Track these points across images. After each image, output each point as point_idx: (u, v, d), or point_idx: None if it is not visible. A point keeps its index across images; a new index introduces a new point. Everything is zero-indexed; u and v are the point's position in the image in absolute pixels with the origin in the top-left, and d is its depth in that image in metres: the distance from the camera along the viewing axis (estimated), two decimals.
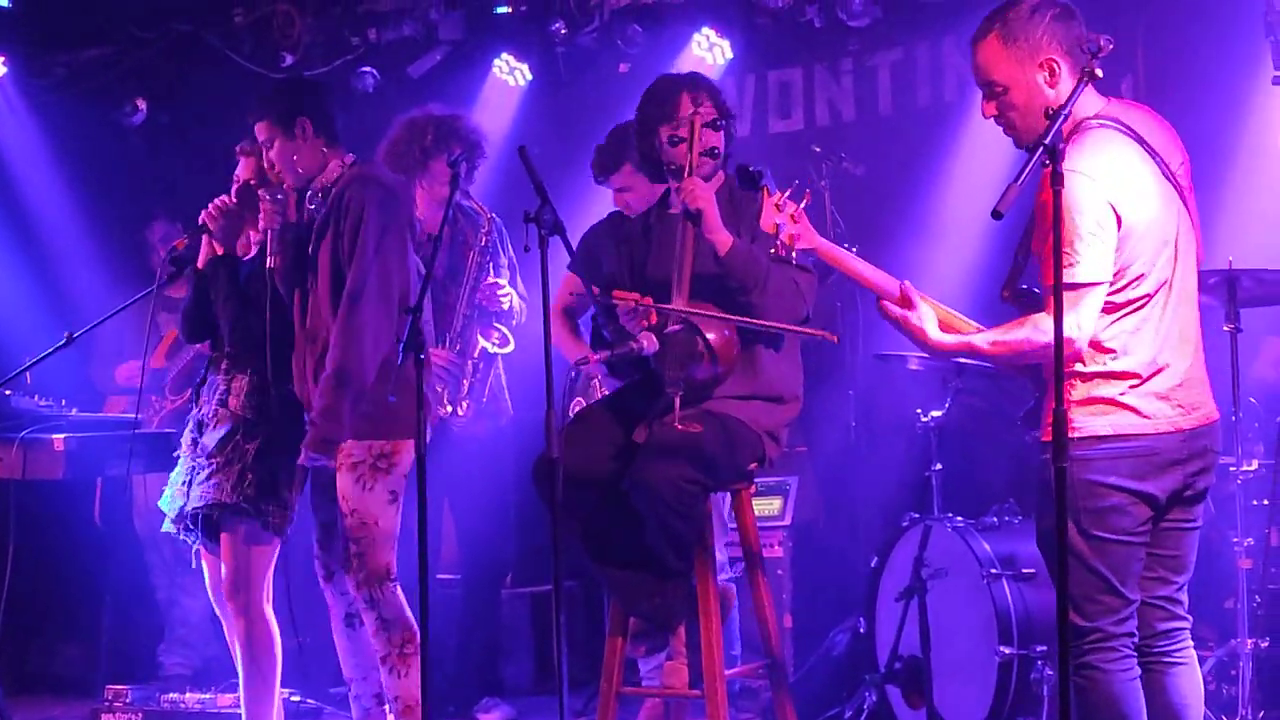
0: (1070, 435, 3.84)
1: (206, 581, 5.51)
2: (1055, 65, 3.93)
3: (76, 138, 8.71)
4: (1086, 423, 3.86)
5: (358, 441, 5.16)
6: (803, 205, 4.34)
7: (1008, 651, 5.76)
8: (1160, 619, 4.02)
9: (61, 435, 6.09)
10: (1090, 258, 3.79)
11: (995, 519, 6.14)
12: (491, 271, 6.46)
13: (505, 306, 6.46)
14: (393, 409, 5.06)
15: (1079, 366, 3.89)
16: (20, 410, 6.27)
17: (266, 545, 5.31)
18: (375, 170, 5.34)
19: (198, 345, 5.68)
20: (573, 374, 6.39)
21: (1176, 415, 3.90)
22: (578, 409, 6.00)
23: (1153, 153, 3.94)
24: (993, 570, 5.86)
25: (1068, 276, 3.75)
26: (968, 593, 5.91)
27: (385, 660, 5.18)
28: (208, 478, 5.23)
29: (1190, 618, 4.10)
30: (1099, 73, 3.75)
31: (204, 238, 5.38)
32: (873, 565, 6.32)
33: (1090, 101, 3.95)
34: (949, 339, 4.01)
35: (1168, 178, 3.96)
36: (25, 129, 8.66)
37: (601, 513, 4.98)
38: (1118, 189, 3.83)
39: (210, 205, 5.36)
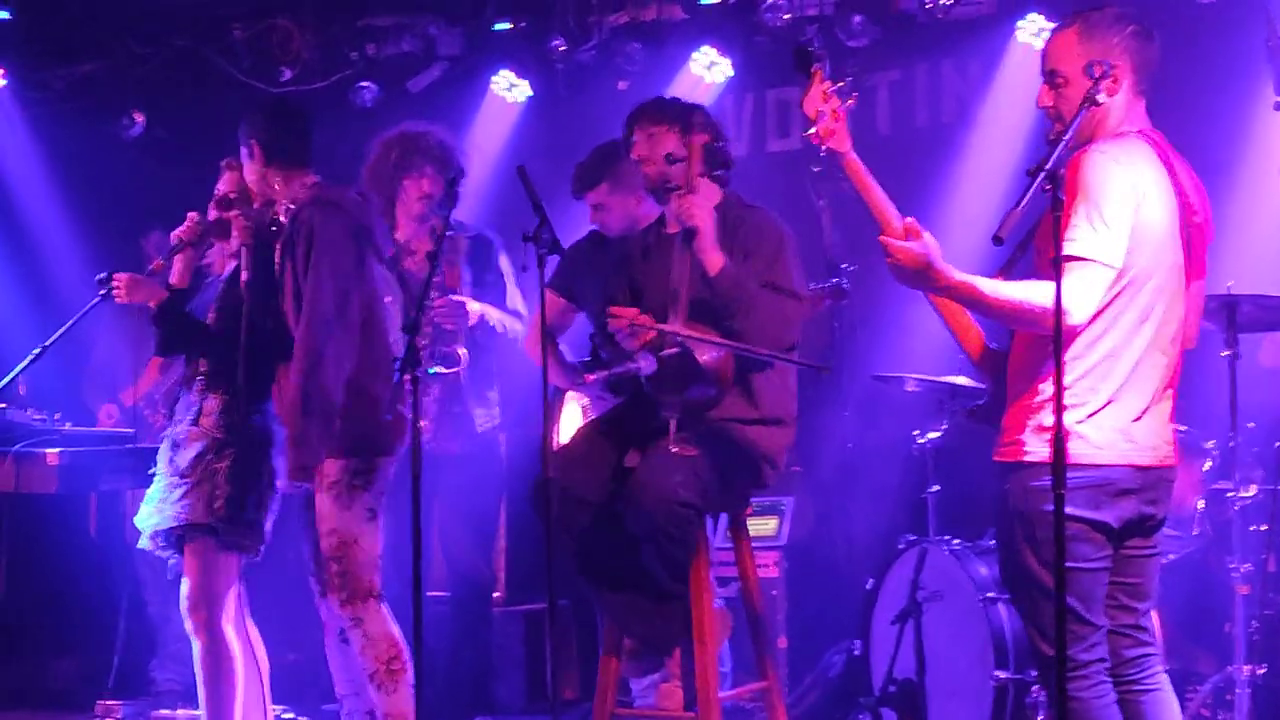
0: (1022, 459, 3.85)
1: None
2: (1117, 74, 3.91)
3: (74, 151, 8.70)
4: (1038, 449, 3.83)
5: (333, 460, 5.13)
6: (848, 105, 4.23)
7: (1003, 675, 5.74)
8: (1127, 646, 4.00)
9: (55, 450, 6.06)
10: (1105, 235, 3.74)
11: (992, 542, 6.11)
12: (460, 289, 6.35)
13: (470, 324, 6.31)
14: (365, 426, 5.05)
15: (1043, 386, 3.85)
16: (14, 424, 6.25)
17: (231, 564, 5.25)
18: (330, 191, 5.30)
19: (161, 357, 5.64)
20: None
21: (1129, 449, 3.86)
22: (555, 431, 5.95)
23: (1179, 190, 3.93)
24: (989, 594, 5.83)
25: (1076, 249, 3.72)
26: (964, 616, 5.89)
27: (374, 677, 5.16)
28: (181, 497, 5.18)
29: (1155, 643, 4.08)
30: (1100, 99, 3.75)
31: (182, 254, 5.34)
32: (868, 587, 6.30)
33: (1136, 118, 3.95)
34: (955, 273, 3.81)
35: (1184, 221, 3.94)
36: (23, 142, 8.67)
37: (597, 534, 4.97)
38: (1139, 190, 3.82)
39: (187, 221, 5.32)
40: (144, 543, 5.38)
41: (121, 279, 5.35)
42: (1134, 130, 3.96)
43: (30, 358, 5.50)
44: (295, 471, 5.08)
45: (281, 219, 5.21)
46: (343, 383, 5.09)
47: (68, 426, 6.53)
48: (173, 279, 5.35)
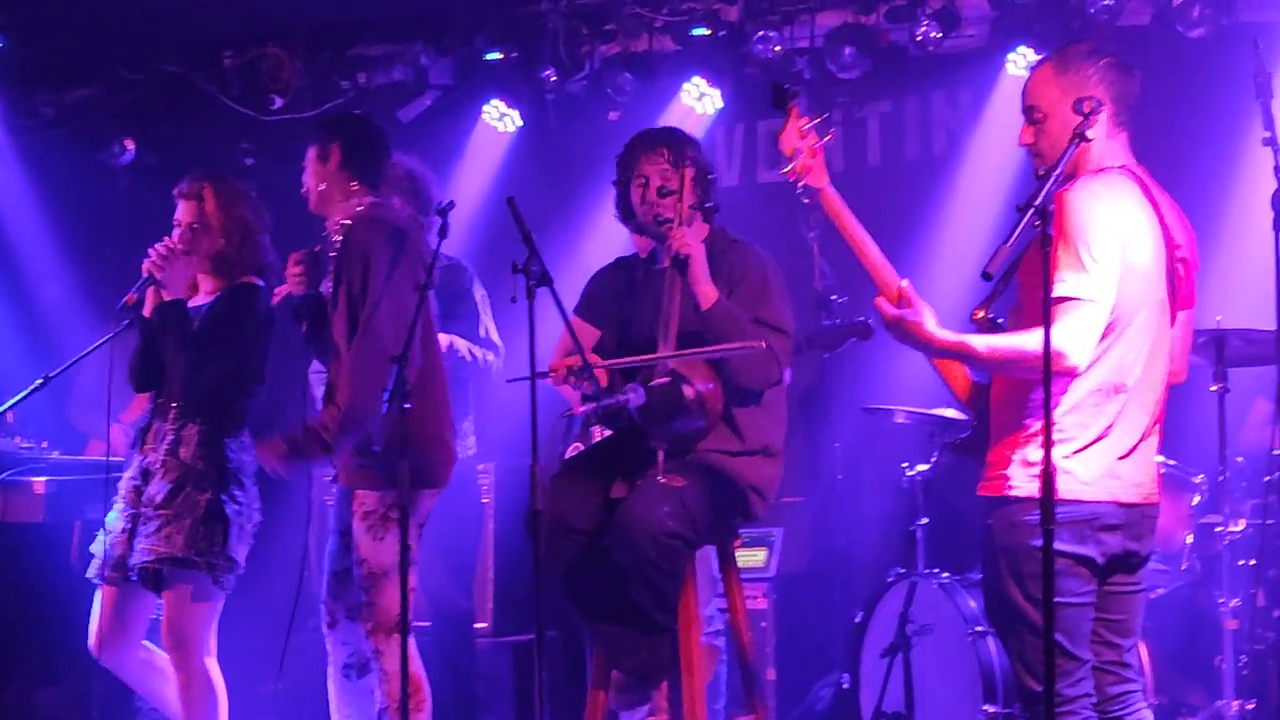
0: (1007, 494, 3.84)
1: (94, 625, 5.36)
2: (1096, 106, 3.91)
3: (64, 178, 8.70)
4: (1022, 484, 3.84)
5: (370, 492, 5.07)
6: (824, 141, 4.30)
7: (992, 710, 5.73)
8: (1111, 683, 4.00)
9: (42, 478, 6.04)
10: (1096, 273, 3.75)
11: (981, 575, 6.10)
12: None
13: None
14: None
15: (1029, 421, 3.85)
16: (1, 452, 6.22)
17: (213, 600, 5.23)
18: (385, 210, 5.26)
19: (137, 392, 5.62)
20: (567, 419, 6.33)
21: (1115, 486, 3.87)
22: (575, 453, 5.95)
23: (1163, 224, 3.93)
24: (978, 628, 5.82)
25: (1068, 290, 3.72)
26: (953, 650, 5.88)
27: (384, 713, 5.11)
28: (157, 530, 5.15)
29: (1139, 679, 4.07)
30: (1090, 135, 3.75)
31: (151, 286, 5.30)
32: (857, 620, 6.29)
33: (1119, 154, 3.96)
34: (947, 335, 3.85)
35: (1168, 256, 3.94)
36: (13, 168, 8.65)
37: (586, 564, 4.96)
38: (1125, 226, 3.82)
39: (152, 252, 5.27)
40: (92, 572, 5.33)
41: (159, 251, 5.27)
42: (1116, 165, 3.96)
43: (33, 387, 5.49)
44: (291, 447, 5.01)
45: (333, 236, 5.17)
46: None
47: (55, 455, 6.51)
48: (146, 311, 5.32)
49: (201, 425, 5.22)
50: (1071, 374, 3.78)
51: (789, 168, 4.26)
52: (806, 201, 6.94)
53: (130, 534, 5.24)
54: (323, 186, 5.23)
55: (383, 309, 4.99)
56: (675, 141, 5.16)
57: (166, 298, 5.30)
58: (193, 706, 5.24)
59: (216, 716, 5.25)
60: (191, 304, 5.38)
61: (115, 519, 5.32)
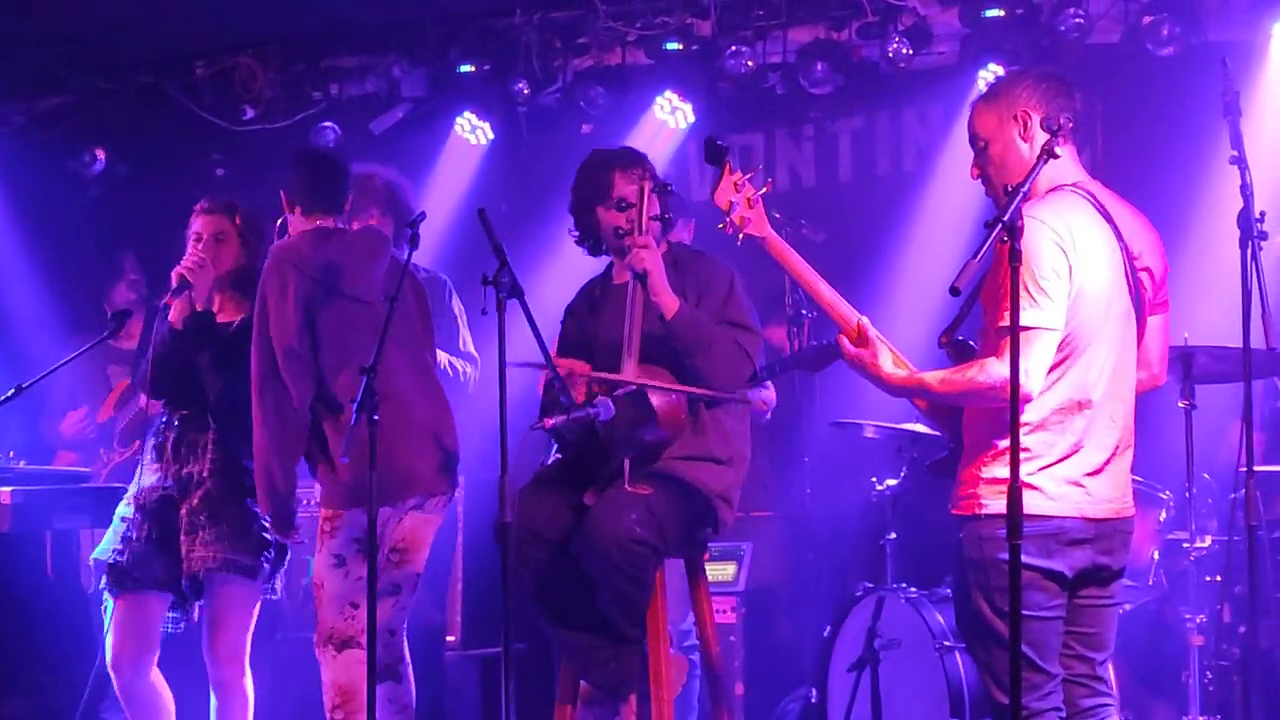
0: (978, 512, 3.86)
1: (111, 639, 5.36)
2: (1028, 118, 3.96)
3: (35, 187, 8.67)
4: (992, 502, 3.86)
5: (323, 507, 5.18)
6: (762, 192, 4.38)
7: None
8: (1083, 696, 4.01)
9: (9, 488, 6.01)
10: (1044, 302, 3.78)
11: (949, 590, 6.11)
12: None
13: None
14: (338, 476, 5.05)
15: (997, 440, 3.87)
16: None
17: (257, 605, 5.31)
18: (289, 239, 5.29)
19: (152, 400, 5.61)
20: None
21: (1083, 502, 3.89)
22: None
23: (1119, 236, 3.96)
24: (945, 642, 5.83)
25: (1021, 319, 3.76)
26: (920, 664, 5.88)
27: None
28: (216, 539, 5.17)
29: (1111, 693, 4.08)
30: (1059, 152, 3.78)
31: (184, 294, 5.28)
32: (825, 634, 6.29)
33: (1068, 171, 3.97)
34: (901, 374, 4.00)
35: (1128, 268, 3.97)
36: None
37: (555, 574, 4.96)
38: (1074, 248, 3.84)
39: (188, 259, 5.27)
40: (102, 584, 5.34)
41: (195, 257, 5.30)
42: (1068, 183, 3.97)
43: (6, 396, 5.47)
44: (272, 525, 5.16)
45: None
46: (275, 438, 5.07)
47: (22, 464, 6.48)
48: (172, 317, 5.29)
49: (240, 438, 5.22)
50: (1025, 400, 3.81)
51: (725, 221, 4.33)
52: (777, 216, 7.02)
53: (156, 544, 5.24)
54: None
55: (259, 343, 5.09)
56: (638, 158, 5.18)
57: (198, 308, 5.29)
58: (232, 708, 5.27)
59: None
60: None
61: (126, 530, 5.31)
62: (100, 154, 8.76)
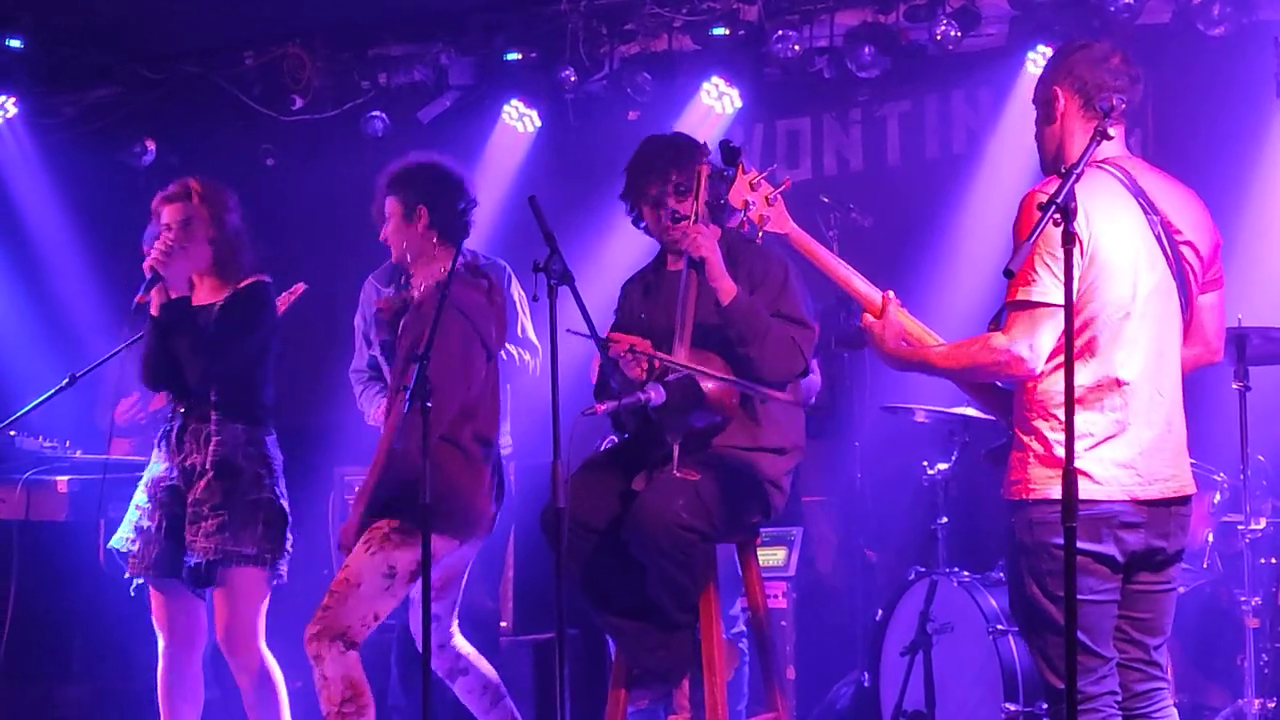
0: (1027, 497, 3.85)
1: (158, 621, 5.43)
2: (1056, 96, 3.95)
3: (85, 178, 8.72)
4: (1041, 486, 3.84)
5: (387, 517, 5.11)
6: (781, 189, 4.41)
7: (1013, 708, 5.72)
8: (1137, 680, 3.99)
9: (65, 477, 6.06)
10: (1050, 279, 3.76)
11: (1002, 574, 6.09)
12: None
13: None
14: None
15: (1038, 423, 3.87)
16: (25, 452, 6.25)
17: (267, 594, 5.32)
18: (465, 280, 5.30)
19: (152, 392, 5.64)
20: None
21: (1133, 485, 3.86)
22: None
23: (1153, 211, 3.92)
24: (999, 626, 5.82)
25: (1024, 294, 3.77)
26: (973, 648, 5.87)
27: (326, 718, 5.10)
28: (218, 529, 5.19)
29: (1168, 679, 4.06)
30: (1111, 133, 3.75)
31: (158, 285, 5.29)
32: (878, 618, 6.29)
33: (1104, 147, 3.93)
34: (905, 349, 4.02)
35: (1167, 243, 3.93)
36: (35, 169, 8.68)
37: (605, 562, 4.96)
38: (1089, 224, 3.81)
39: (155, 251, 5.28)
40: (132, 573, 5.37)
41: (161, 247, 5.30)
42: (1096, 161, 3.92)
43: (60, 386, 5.51)
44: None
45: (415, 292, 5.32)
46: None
47: (78, 454, 6.53)
48: (153, 310, 5.32)
49: (244, 424, 5.27)
50: (1028, 377, 3.83)
51: (741, 219, 4.39)
52: (825, 200, 7.02)
53: (165, 533, 5.29)
54: (406, 244, 5.31)
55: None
56: (694, 144, 5.17)
57: (172, 296, 5.31)
58: (261, 702, 5.30)
59: (279, 704, 5.32)
60: (195, 303, 5.38)
61: (141, 519, 5.35)
62: (150, 145, 8.81)
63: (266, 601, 5.33)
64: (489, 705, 5.36)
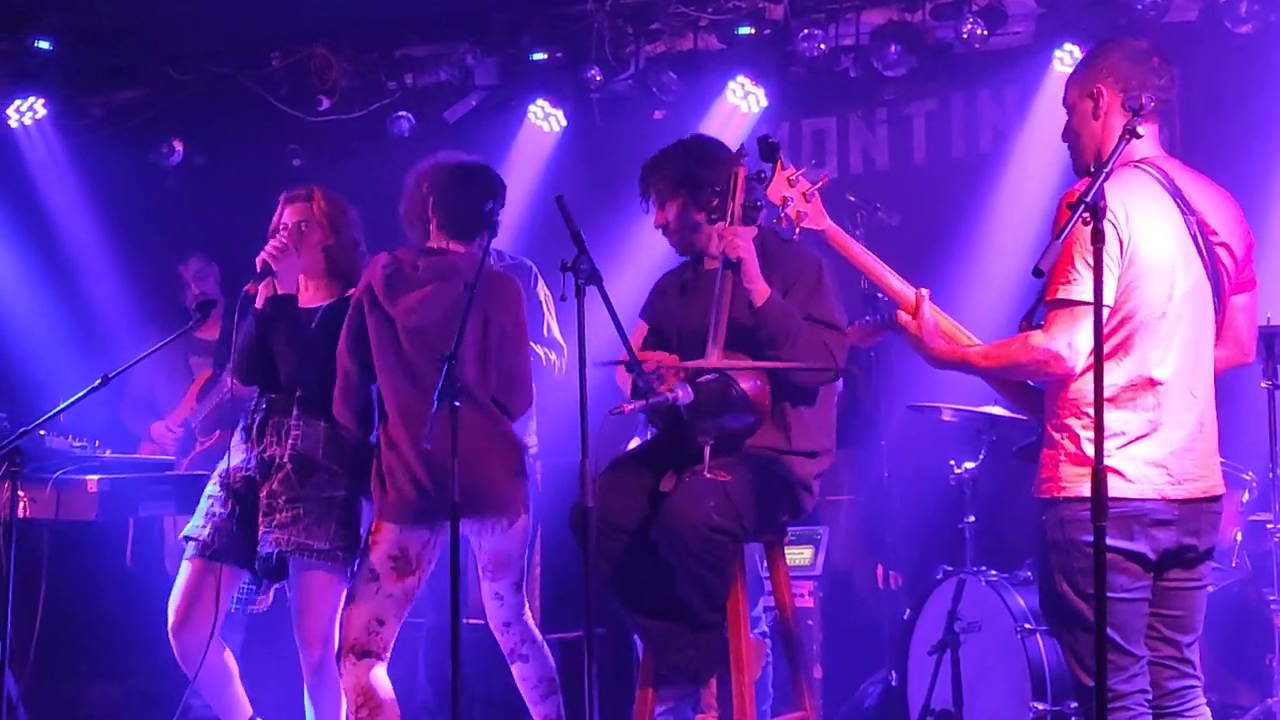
0: (1059, 495, 3.85)
1: (174, 602, 5.41)
2: (1100, 95, 3.94)
3: (113, 179, 8.75)
4: (1072, 484, 3.85)
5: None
6: (818, 186, 4.40)
7: (1041, 707, 5.72)
8: (1170, 678, 3.99)
9: (95, 476, 6.09)
10: (1091, 278, 3.75)
11: (1029, 573, 6.09)
12: None
13: None
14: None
15: (1070, 421, 3.86)
16: (54, 451, 6.27)
17: (341, 590, 5.33)
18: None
19: (243, 385, 5.70)
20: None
21: (1164, 484, 3.86)
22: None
23: (1189, 212, 3.93)
24: (1027, 625, 5.82)
25: (1064, 293, 3.77)
26: (1001, 647, 5.87)
27: None
28: (293, 521, 5.24)
29: (1200, 677, 4.05)
30: (1140, 131, 3.74)
31: (267, 279, 5.38)
32: (905, 617, 6.29)
33: (1140, 148, 3.94)
34: (945, 347, 4.03)
35: (1203, 244, 3.93)
36: (63, 170, 8.72)
37: (633, 561, 4.96)
38: (1126, 225, 3.83)
39: (270, 246, 5.38)
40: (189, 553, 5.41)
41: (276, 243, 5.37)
42: (1134, 160, 3.94)
43: (92, 386, 5.54)
44: None
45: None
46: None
47: (108, 454, 6.56)
48: (258, 304, 5.40)
49: (326, 422, 5.31)
50: (1068, 375, 3.83)
51: (780, 216, 4.38)
52: (852, 199, 7.01)
53: (238, 520, 5.33)
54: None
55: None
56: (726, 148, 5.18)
57: (280, 291, 5.37)
58: (323, 699, 5.34)
59: (338, 707, 5.34)
60: (301, 304, 5.45)
61: (213, 506, 5.39)
62: (178, 146, 8.84)
63: (338, 599, 5.32)
64: (540, 696, 5.40)
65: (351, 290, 5.40)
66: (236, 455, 5.42)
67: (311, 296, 5.50)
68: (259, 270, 5.37)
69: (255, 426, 5.41)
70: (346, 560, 5.32)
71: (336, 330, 5.30)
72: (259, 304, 5.40)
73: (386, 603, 5.17)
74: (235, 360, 5.46)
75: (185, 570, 5.41)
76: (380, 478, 5.18)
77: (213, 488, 5.46)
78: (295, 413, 5.34)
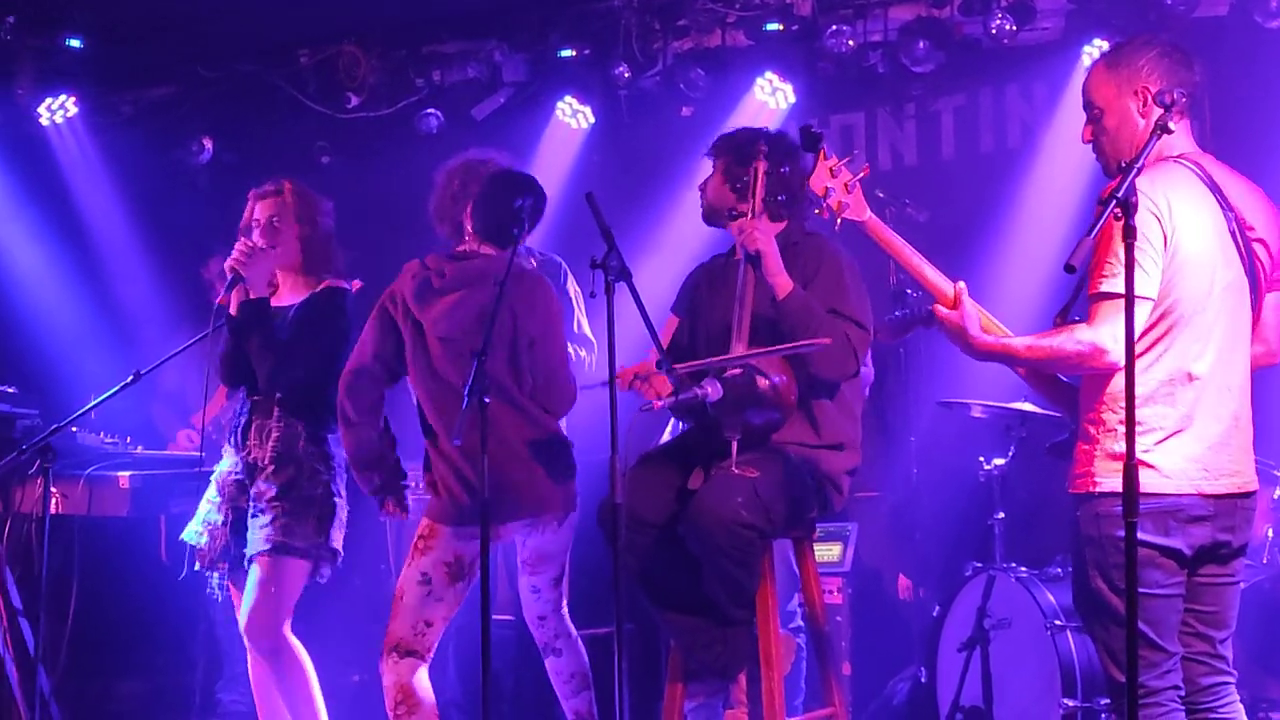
0: (1093, 490, 3.84)
1: (241, 619, 5.48)
2: (1148, 93, 3.93)
3: (143, 176, 8.80)
4: (1106, 479, 3.83)
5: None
6: (859, 177, 4.40)
7: (1071, 704, 5.71)
8: (1203, 674, 3.97)
9: (127, 473, 6.12)
10: (1136, 271, 3.74)
11: (1059, 569, 6.08)
12: None
13: None
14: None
15: (1107, 416, 3.86)
16: (86, 447, 6.31)
17: (301, 585, 5.35)
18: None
19: (230, 389, 5.72)
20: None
21: (1200, 479, 3.85)
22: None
23: (1228, 208, 3.92)
24: (1057, 621, 5.80)
25: (1108, 286, 3.76)
26: (1031, 644, 5.86)
27: None
28: (272, 521, 5.26)
29: (1234, 673, 4.04)
30: (1172, 127, 3.74)
31: (238, 285, 5.38)
32: (935, 614, 6.28)
33: (1177, 144, 3.94)
34: (989, 339, 4.00)
35: (1241, 239, 3.93)
36: (94, 167, 8.76)
37: (661, 557, 4.96)
38: (1169, 219, 3.82)
39: (236, 252, 5.37)
40: (201, 566, 5.44)
41: (241, 249, 5.38)
42: (1173, 155, 3.94)
43: (125, 383, 5.57)
44: None
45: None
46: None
47: (139, 450, 6.59)
48: (232, 310, 5.41)
49: (306, 421, 5.33)
50: (1112, 369, 3.81)
51: (822, 206, 4.37)
52: (880, 195, 7.00)
53: (230, 527, 5.37)
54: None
55: None
56: (747, 136, 5.17)
57: (251, 295, 5.38)
58: (288, 682, 5.36)
59: (309, 684, 5.36)
60: (275, 303, 5.45)
61: (210, 513, 5.42)
62: (208, 143, 8.87)
63: (297, 595, 5.34)
64: (573, 691, 5.41)
65: (326, 282, 5.43)
66: (227, 460, 5.47)
67: (288, 291, 5.50)
68: (229, 278, 5.37)
69: (240, 430, 5.44)
70: (321, 558, 5.32)
71: (310, 328, 5.32)
72: (232, 311, 5.40)
73: (437, 606, 5.20)
74: (218, 368, 5.49)
75: (232, 594, 5.49)
76: (433, 485, 5.20)
77: (211, 492, 5.49)
78: (276, 414, 5.36)
